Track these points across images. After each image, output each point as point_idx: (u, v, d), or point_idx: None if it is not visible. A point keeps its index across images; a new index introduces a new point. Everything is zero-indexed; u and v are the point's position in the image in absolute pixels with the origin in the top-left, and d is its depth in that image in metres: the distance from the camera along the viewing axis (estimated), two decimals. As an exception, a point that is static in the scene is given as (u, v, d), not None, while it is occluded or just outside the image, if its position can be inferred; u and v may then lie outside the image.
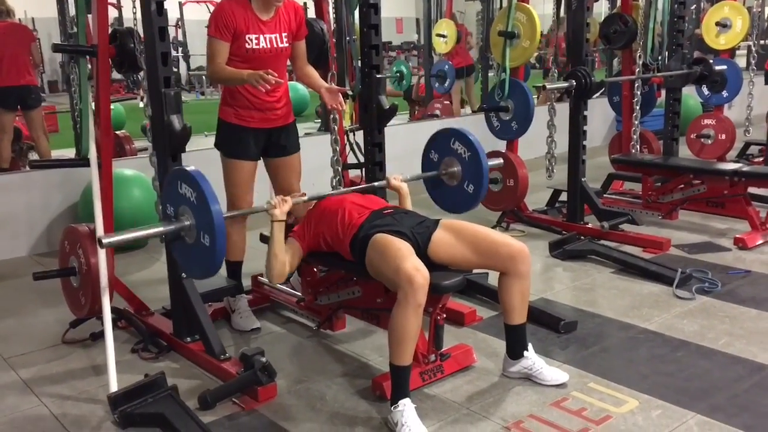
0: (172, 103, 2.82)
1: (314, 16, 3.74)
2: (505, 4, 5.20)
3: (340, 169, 3.49)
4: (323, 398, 2.67)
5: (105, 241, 2.41)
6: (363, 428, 2.46)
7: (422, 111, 8.79)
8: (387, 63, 12.70)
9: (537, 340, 3.01)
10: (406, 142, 5.01)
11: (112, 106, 3.23)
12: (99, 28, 2.97)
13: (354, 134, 3.96)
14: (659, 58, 5.18)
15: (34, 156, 6.29)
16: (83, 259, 3.01)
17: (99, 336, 3.16)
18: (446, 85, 8.36)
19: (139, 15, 2.88)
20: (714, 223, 4.78)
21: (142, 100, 4.02)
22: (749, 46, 6.20)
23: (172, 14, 13.09)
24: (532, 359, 2.72)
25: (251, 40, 3.01)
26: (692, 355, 2.92)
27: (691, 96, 6.98)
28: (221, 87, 3.58)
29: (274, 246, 2.71)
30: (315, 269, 3.12)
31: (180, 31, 15.50)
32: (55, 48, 3.31)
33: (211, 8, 10.89)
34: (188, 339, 3.05)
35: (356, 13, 3.56)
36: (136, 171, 4.69)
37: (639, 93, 5.06)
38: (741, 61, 7.33)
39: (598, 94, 4.74)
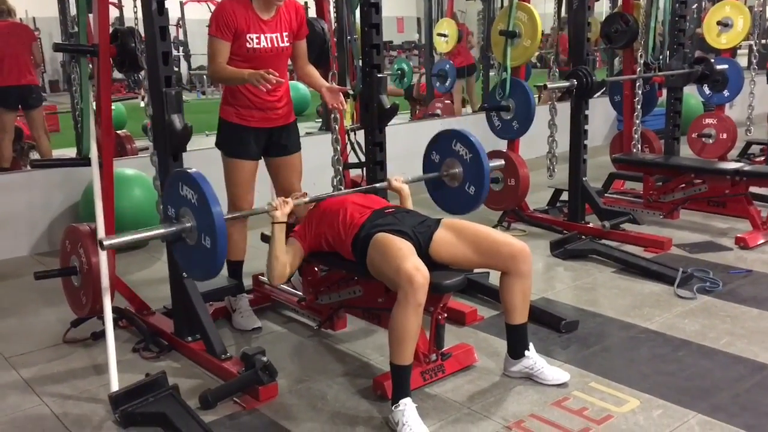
0: (173, 103, 2.82)
1: (315, 16, 3.74)
2: (506, 3, 5.19)
3: (341, 168, 3.48)
4: (324, 398, 2.67)
5: (106, 243, 2.41)
6: (364, 428, 2.46)
7: (423, 110, 8.79)
8: (388, 62, 12.69)
9: (538, 339, 3.00)
10: (407, 141, 5.02)
11: (113, 106, 3.23)
12: (100, 28, 2.97)
13: (355, 133, 3.95)
14: (660, 57, 5.17)
15: (35, 155, 6.29)
16: (84, 258, 3.01)
17: (100, 335, 3.16)
18: (447, 84, 8.37)
19: (140, 14, 2.89)
20: (715, 222, 4.77)
21: (143, 99, 4.01)
22: (750, 46, 6.22)
23: (173, 13, 13.06)
24: (534, 359, 2.72)
25: (252, 39, 3.01)
26: (693, 355, 2.92)
27: (692, 95, 6.97)
28: (222, 86, 3.58)
29: (275, 248, 2.72)
30: (316, 269, 3.12)
31: (181, 30, 15.48)
32: (56, 47, 3.32)
33: (212, 7, 10.89)
34: (189, 338, 3.05)
35: (357, 12, 3.57)
36: (137, 170, 4.69)
37: (640, 92, 5.06)
38: (742, 61, 7.34)
39: (599, 94, 4.72)
